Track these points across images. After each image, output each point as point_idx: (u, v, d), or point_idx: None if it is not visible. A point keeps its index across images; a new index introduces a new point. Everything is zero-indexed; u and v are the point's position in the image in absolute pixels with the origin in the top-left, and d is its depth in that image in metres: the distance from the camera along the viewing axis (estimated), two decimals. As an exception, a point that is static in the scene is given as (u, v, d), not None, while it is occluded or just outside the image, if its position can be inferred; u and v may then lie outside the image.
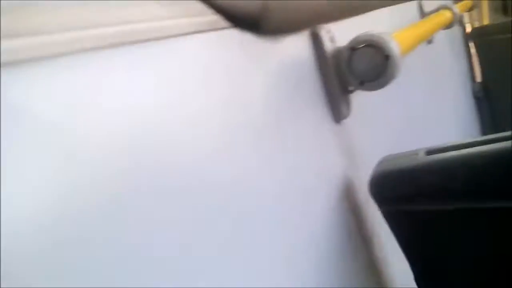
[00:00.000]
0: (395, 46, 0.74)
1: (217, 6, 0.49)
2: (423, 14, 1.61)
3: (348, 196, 0.80)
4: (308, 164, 0.67)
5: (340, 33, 0.79)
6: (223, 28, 0.50)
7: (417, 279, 0.82)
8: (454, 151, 0.71)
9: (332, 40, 0.77)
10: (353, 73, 0.75)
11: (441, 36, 1.90)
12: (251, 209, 0.51)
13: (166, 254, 0.38)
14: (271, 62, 0.61)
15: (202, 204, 0.43)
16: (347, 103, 0.80)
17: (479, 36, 2.42)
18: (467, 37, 2.47)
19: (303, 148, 0.66)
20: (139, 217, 0.35)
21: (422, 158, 0.73)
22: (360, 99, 0.90)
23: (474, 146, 0.70)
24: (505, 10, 2.72)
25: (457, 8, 1.62)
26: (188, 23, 0.45)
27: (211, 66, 0.48)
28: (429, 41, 1.62)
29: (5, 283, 0.27)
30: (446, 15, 1.52)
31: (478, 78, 2.51)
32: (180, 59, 0.43)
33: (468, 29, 2.51)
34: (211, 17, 0.48)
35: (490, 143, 0.69)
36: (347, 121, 0.83)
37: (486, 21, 2.65)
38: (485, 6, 2.65)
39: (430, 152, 0.74)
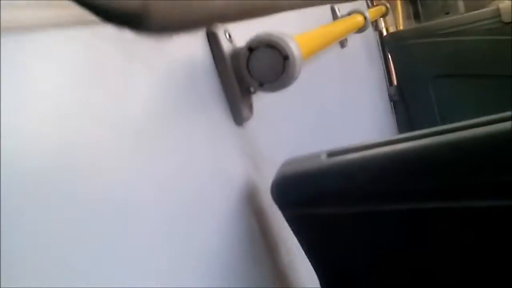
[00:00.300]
0: (294, 47, 0.72)
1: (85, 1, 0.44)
2: (336, 18, 1.62)
3: (251, 200, 0.77)
4: (202, 167, 0.64)
5: (240, 33, 0.77)
6: (92, 23, 0.46)
7: (322, 284, 0.81)
8: (354, 153, 0.70)
9: (230, 39, 0.74)
10: (252, 74, 0.73)
11: (357, 40, 1.94)
12: (125, 216, 0.47)
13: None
14: (157, 61, 0.57)
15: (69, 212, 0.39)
16: (249, 104, 0.78)
17: (394, 41, 2.48)
18: (383, 42, 2.54)
19: (195, 150, 0.63)
20: None
21: (323, 161, 0.72)
22: (264, 100, 0.88)
23: (373, 148, 0.70)
24: (417, 16, 2.82)
25: (369, 13, 1.65)
26: (48, 16, 0.40)
27: (75, 64, 0.43)
28: (343, 45, 1.64)
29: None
30: (358, 19, 1.54)
31: (394, 82, 2.58)
32: (35, 55, 0.39)
33: (384, 34, 2.57)
34: (78, 10, 0.44)
35: (389, 145, 0.69)
36: (250, 123, 0.81)
37: (400, 27, 2.73)
38: (399, 12, 2.73)
39: (331, 154, 0.73)
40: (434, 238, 0.70)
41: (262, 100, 0.87)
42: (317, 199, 0.71)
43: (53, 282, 0.36)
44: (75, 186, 0.41)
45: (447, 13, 2.70)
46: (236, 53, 0.74)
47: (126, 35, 0.52)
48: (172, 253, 0.53)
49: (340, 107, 1.52)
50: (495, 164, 0.61)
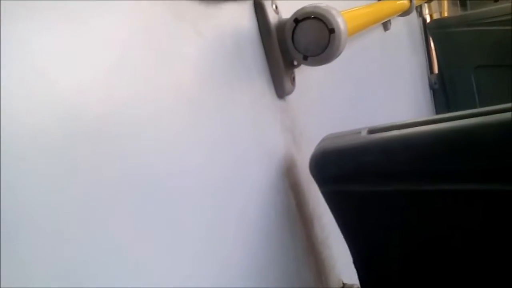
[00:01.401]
0: (341, 21, 0.71)
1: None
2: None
3: (289, 174, 0.77)
4: (244, 136, 0.64)
5: (287, 5, 0.76)
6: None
7: (356, 262, 0.80)
8: (395, 131, 0.69)
9: (277, 10, 0.74)
10: (296, 47, 0.72)
11: (400, 25, 1.90)
12: (174, 179, 0.48)
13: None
14: (206, 26, 0.58)
15: (123, 172, 0.40)
16: (291, 78, 0.78)
17: (438, 28, 2.43)
18: (426, 29, 2.48)
19: (239, 119, 0.63)
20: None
21: (364, 137, 0.71)
22: (306, 74, 0.87)
23: (415, 126, 0.69)
24: (464, 4, 2.74)
25: (415, -4, 1.62)
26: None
27: (128, 24, 0.44)
28: (386, 28, 1.61)
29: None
30: (403, 2, 1.51)
31: (435, 70, 2.53)
32: (102, 23, 0.40)
33: (428, 20, 2.52)
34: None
35: (431, 123, 0.68)
36: (291, 97, 0.80)
37: (445, 13, 2.66)
38: (444, -2, 2.66)
39: (372, 131, 0.72)
40: (473, 221, 0.68)
41: (303, 74, 0.86)
42: (356, 176, 0.71)
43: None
44: (130, 138, 0.41)
45: (496, 1, 2.62)
46: (281, 25, 0.73)
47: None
48: (212, 217, 0.53)
49: (379, 89, 1.50)
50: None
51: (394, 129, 0.70)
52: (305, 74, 0.88)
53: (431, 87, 2.49)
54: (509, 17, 2.17)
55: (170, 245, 0.46)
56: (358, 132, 0.73)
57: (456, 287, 0.76)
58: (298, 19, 0.71)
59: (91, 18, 0.40)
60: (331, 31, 0.70)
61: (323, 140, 0.75)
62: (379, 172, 0.69)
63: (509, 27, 2.18)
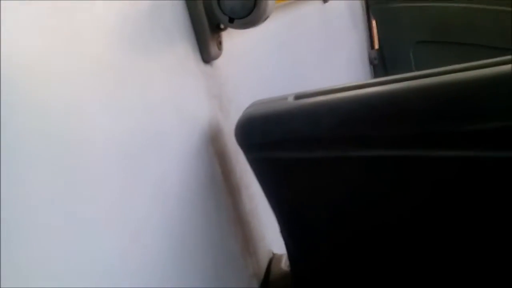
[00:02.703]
0: (267, -17, 0.69)
1: None
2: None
3: (214, 141, 0.75)
4: (163, 102, 0.61)
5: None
6: None
7: (282, 231, 0.80)
8: (322, 96, 0.68)
9: (201, -29, 0.71)
10: (222, 9, 0.70)
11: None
12: (85, 145, 0.44)
13: None
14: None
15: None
16: (218, 42, 0.75)
17: (378, 3, 2.44)
18: (368, 4, 2.49)
19: (156, 83, 0.60)
20: None
21: (291, 103, 0.69)
22: (236, 40, 0.85)
23: (343, 92, 0.67)
24: (404, -21, 2.77)
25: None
26: None
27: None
28: (325, 0, 1.60)
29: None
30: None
31: (376, 46, 2.55)
32: None
33: (369, -5, 2.52)
34: None
35: (358, 89, 0.67)
36: (218, 62, 0.78)
37: (387, -11, 2.68)
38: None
39: (299, 96, 0.70)
40: (400, 189, 0.68)
41: (233, 41, 0.83)
42: (281, 142, 0.69)
43: None
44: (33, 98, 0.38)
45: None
46: (206, -15, 0.70)
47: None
48: (124, 183, 0.50)
49: (317, 60, 1.49)
50: (468, 112, 0.59)
51: (320, 95, 0.68)
52: (235, 40, 0.85)
53: (371, 62, 2.51)
54: (449, -7, 2.20)
55: (78, 210, 0.43)
56: (285, 98, 0.71)
57: (386, 260, 0.76)
58: (224, -19, 0.68)
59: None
60: (257, -7, 0.68)
61: (250, 106, 0.73)
62: (304, 139, 0.68)
63: (449, 4, 2.21)
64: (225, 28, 0.75)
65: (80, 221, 0.43)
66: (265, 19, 0.71)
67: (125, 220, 0.50)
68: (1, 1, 0.36)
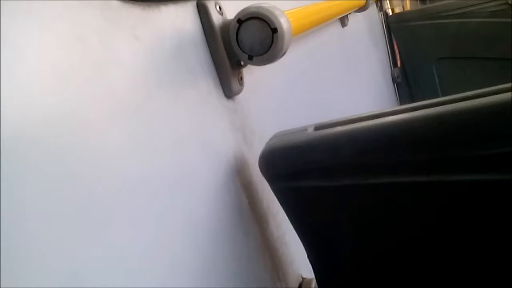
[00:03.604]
0: (284, 20, 0.72)
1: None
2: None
3: (240, 173, 0.78)
4: (190, 139, 0.64)
5: (231, 5, 0.77)
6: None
7: (309, 256, 0.82)
8: (341, 126, 0.71)
9: (220, 11, 0.75)
10: (241, 47, 0.73)
11: (360, 20, 1.93)
12: (115, 185, 0.48)
13: None
14: (144, 30, 0.58)
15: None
16: (239, 77, 0.78)
17: (399, 22, 2.46)
18: (388, 23, 2.52)
19: (183, 122, 0.63)
20: None
21: (310, 134, 0.72)
22: (256, 74, 0.88)
23: (360, 121, 0.70)
24: (423, -3, 2.79)
25: (371, -9, 1.64)
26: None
27: (59, 32, 0.44)
28: (344, 24, 1.63)
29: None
30: (358, -1, 1.53)
31: (398, 64, 2.56)
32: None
33: (389, 14, 2.55)
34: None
35: (375, 118, 0.69)
36: (240, 97, 0.81)
37: (407, 7, 2.70)
38: (405, -8, 2.70)
39: (318, 127, 0.73)
40: (418, 212, 0.70)
41: (253, 74, 0.87)
42: (304, 172, 0.72)
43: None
44: (62, 152, 0.41)
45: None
46: (226, 25, 0.74)
47: (112, 3, 0.53)
48: (158, 220, 0.54)
49: (339, 84, 1.52)
50: (480, 137, 0.61)
51: (338, 125, 0.71)
52: (255, 73, 0.88)
53: (394, 80, 2.52)
54: (466, 9, 2.21)
55: (116, 248, 0.46)
56: (305, 129, 0.74)
57: (408, 278, 0.77)
58: (242, 20, 0.72)
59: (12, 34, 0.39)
60: (274, 30, 0.71)
61: (272, 138, 0.76)
62: (325, 168, 0.71)
63: (466, 20, 2.22)
64: (245, 65, 0.78)
65: (118, 260, 0.46)
66: (283, 54, 0.74)
67: (162, 255, 0.53)
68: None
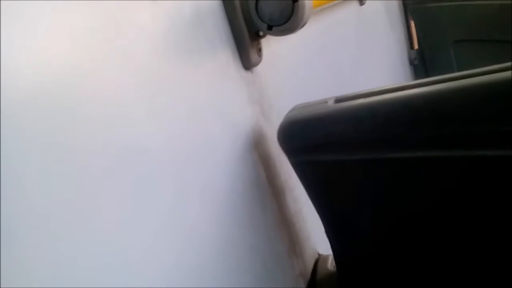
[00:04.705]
0: (305, -11, 0.70)
1: None
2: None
3: (258, 146, 0.77)
4: (207, 109, 0.63)
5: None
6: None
7: (327, 232, 0.81)
8: (362, 99, 0.69)
9: (239, -19, 0.73)
10: (261, 17, 0.72)
11: (377, 1, 1.90)
12: (136, 152, 0.47)
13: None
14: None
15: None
16: (258, 48, 0.77)
17: (416, 3, 2.42)
18: (405, 4, 2.48)
19: (200, 91, 0.62)
20: None
21: (331, 106, 0.71)
22: (275, 46, 0.87)
23: (382, 94, 0.68)
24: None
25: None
26: None
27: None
28: (361, 2, 1.60)
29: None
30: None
31: (415, 45, 2.53)
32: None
33: (407, -4, 2.51)
34: None
35: (397, 91, 0.68)
36: (259, 68, 0.80)
37: (424, -11, 2.65)
38: (423, -27, 2.65)
39: (339, 100, 0.71)
40: (438, 187, 0.69)
41: (272, 47, 0.85)
42: (323, 145, 0.71)
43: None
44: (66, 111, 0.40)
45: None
46: (245, -5, 0.72)
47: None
48: (175, 190, 0.53)
49: (356, 63, 1.50)
50: (505, 112, 0.60)
51: (360, 98, 0.70)
52: (274, 46, 0.87)
53: (411, 62, 2.49)
54: (485, -9, 2.17)
55: (132, 216, 0.45)
56: (325, 101, 0.72)
57: (424, 254, 0.76)
58: (261, -11, 0.70)
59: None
60: (295, 0, 0.69)
61: (291, 110, 0.74)
62: (345, 141, 0.69)
63: (485, 2, 2.18)
64: (264, 35, 0.77)
65: (140, 222, 0.46)
66: (303, 25, 0.73)
67: (179, 223, 0.52)
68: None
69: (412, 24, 2.53)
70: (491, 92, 0.61)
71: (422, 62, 2.54)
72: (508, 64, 0.63)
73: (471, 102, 0.62)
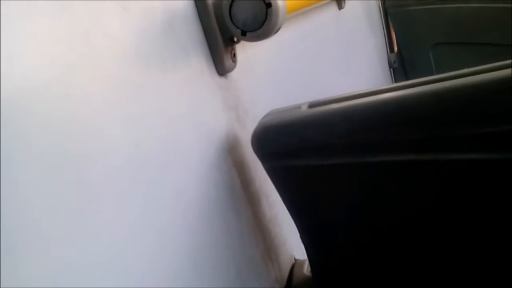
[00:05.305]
0: (278, -5, 0.70)
1: None
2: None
3: (232, 152, 0.77)
4: (178, 115, 0.63)
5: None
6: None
7: (302, 237, 0.81)
8: (335, 104, 0.69)
9: (213, -14, 0.73)
10: (234, 23, 0.72)
11: (356, 4, 1.90)
12: (106, 161, 0.46)
13: None
14: (134, 2, 0.56)
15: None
16: (232, 54, 0.77)
17: (396, 7, 2.44)
18: (385, 8, 2.49)
19: (173, 98, 0.62)
20: None
21: (305, 111, 0.71)
22: (250, 52, 0.87)
23: (355, 99, 0.69)
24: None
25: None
26: None
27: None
28: (340, 6, 1.61)
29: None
30: (355, -21, 1.51)
31: (395, 49, 2.54)
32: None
33: (386, -1, 2.52)
34: None
35: (370, 95, 0.68)
36: (233, 74, 0.80)
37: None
38: (402, -23, 2.67)
39: (313, 105, 0.72)
40: (410, 190, 0.69)
41: (248, 52, 0.85)
42: (297, 150, 0.71)
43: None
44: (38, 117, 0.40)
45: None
46: (218, 1, 0.72)
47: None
48: (147, 197, 0.52)
49: (335, 67, 1.50)
50: (478, 115, 0.60)
51: (334, 102, 0.70)
52: (250, 52, 0.87)
53: (391, 66, 2.51)
54: (462, -6, 2.19)
55: (105, 220, 0.45)
56: (299, 107, 0.72)
57: (401, 259, 0.77)
58: (235, -5, 0.70)
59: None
60: (268, 5, 0.69)
61: (265, 116, 0.74)
62: (319, 146, 0.69)
63: (463, 4, 2.20)
64: (238, 41, 0.76)
65: (107, 230, 0.45)
66: (277, 30, 0.73)
67: (149, 230, 0.52)
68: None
69: (392, 27, 2.54)
70: (462, 96, 0.61)
71: (402, 65, 2.56)
72: (480, 67, 0.63)
73: (443, 106, 0.62)
